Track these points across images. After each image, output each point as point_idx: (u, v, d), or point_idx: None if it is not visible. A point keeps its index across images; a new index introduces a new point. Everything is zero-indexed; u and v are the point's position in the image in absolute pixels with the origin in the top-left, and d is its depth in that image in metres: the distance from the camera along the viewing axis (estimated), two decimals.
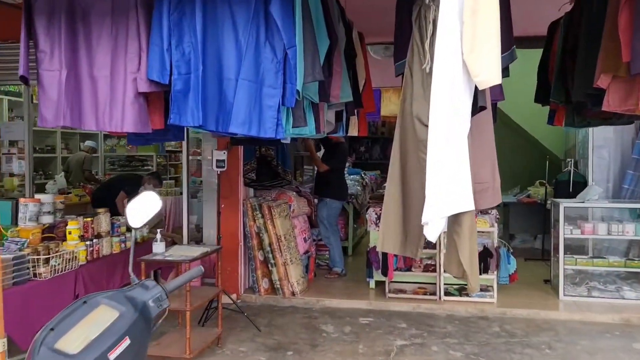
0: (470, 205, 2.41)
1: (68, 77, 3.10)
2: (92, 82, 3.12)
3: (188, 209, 5.91)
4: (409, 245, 2.80)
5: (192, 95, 2.99)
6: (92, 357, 1.48)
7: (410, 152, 2.73)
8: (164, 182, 7.33)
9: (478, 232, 4.19)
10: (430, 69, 2.51)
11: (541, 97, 4.55)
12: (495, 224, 5.49)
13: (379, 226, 3.36)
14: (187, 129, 5.27)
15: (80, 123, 3.14)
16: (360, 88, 4.40)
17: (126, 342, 1.54)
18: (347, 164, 8.39)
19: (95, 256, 4.10)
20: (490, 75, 2.27)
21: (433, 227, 2.46)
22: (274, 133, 2.95)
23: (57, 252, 3.66)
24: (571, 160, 7.14)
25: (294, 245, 5.74)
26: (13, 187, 6.77)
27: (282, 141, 4.07)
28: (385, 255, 5.40)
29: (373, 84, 5.06)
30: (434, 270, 5.55)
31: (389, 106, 6.93)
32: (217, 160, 4.92)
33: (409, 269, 5.61)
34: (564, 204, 5.64)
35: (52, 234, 4.10)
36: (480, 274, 3.97)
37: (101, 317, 1.56)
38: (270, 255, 5.56)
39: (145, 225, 4.77)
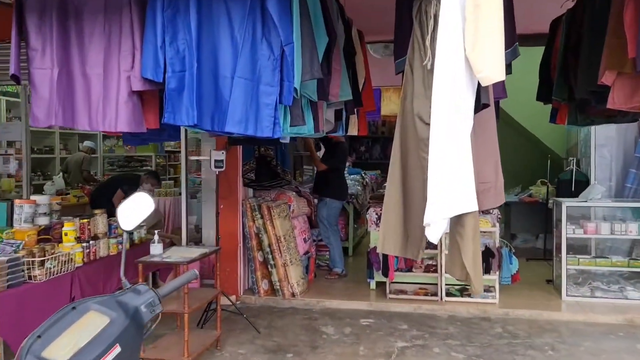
0: (473, 206, 2.35)
1: (60, 75, 3.04)
2: (85, 80, 3.06)
3: (187, 209, 5.86)
4: (410, 247, 2.75)
5: (186, 93, 2.92)
6: None
7: (411, 151, 2.68)
8: (163, 182, 7.29)
9: (479, 232, 4.13)
10: (432, 65, 2.45)
11: (543, 95, 4.51)
12: (497, 224, 5.45)
13: (379, 226, 3.31)
14: (186, 129, 5.24)
15: (72, 122, 3.08)
16: (360, 87, 4.35)
17: (116, 349, 1.49)
18: (347, 164, 8.35)
19: (92, 258, 4.05)
20: (493, 71, 2.21)
21: (435, 228, 2.40)
22: (271, 132, 2.89)
23: (52, 254, 3.61)
24: (573, 159, 7.09)
25: (293, 246, 5.69)
26: (10, 188, 6.73)
27: (281, 141, 4.01)
28: (385, 255, 5.36)
29: (373, 83, 5.01)
30: (435, 271, 5.51)
31: (390, 105, 6.89)
32: (216, 161, 4.86)
33: (409, 270, 5.58)
34: (567, 203, 5.60)
35: (48, 235, 4.05)
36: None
37: (91, 323, 1.50)
38: (270, 256, 5.51)
39: (142, 226, 4.80)
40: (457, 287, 5.49)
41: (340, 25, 3.68)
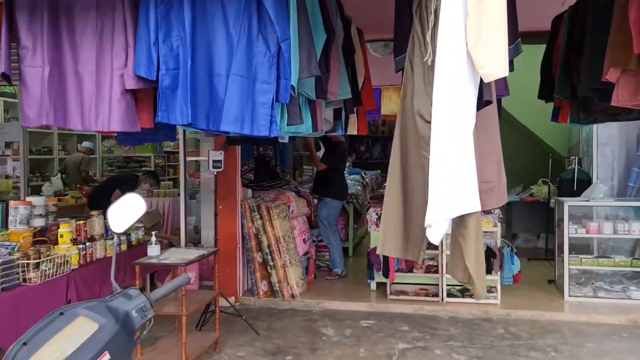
0: (476, 206, 2.29)
1: (51, 73, 2.97)
2: (77, 78, 3.00)
3: (185, 210, 5.81)
4: (410, 248, 2.69)
5: (180, 91, 2.86)
6: None
7: (411, 150, 2.62)
8: (162, 183, 7.24)
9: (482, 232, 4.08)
10: (432, 62, 2.39)
11: (545, 93, 4.46)
12: (498, 224, 5.41)
13: (379, 227, 3.25)
14: (184, 129, 5.18)
15: (64, 122, 3.01)
16: (360, 85, 4.29)
17: (105, 357, 1.42)
18: (347, 164, 8.30)
19: (88, 260, 4.01)
20: (496, 67, 2.15)
21: (436, 229, 2.34)
22: (267, 131, 2.83)
23: (48, 256, 3.56)
24: (575, 158, 7.04)
25: (293, 247, 5.64)
26: (8, 189, 6.68)
27: (280, 140, 3.96)
28: (386, 256, 5.30)
29: (373, 82, 4.95)
30: (436, 271, 5.46)
31: (390, 105, 6.82)
32: (214, 161, 4.81)
33: (410, 270, 5.53)
34: (569, 202, 5.54)
35: (44, 237, 4.00)
36: None
37: (79, 329, 1.44)
38: (269, 257, 5.46)
39: (140, 227, 4.74)
40: (458, 287, 5.44)
41: (339, 22, 3.62)
